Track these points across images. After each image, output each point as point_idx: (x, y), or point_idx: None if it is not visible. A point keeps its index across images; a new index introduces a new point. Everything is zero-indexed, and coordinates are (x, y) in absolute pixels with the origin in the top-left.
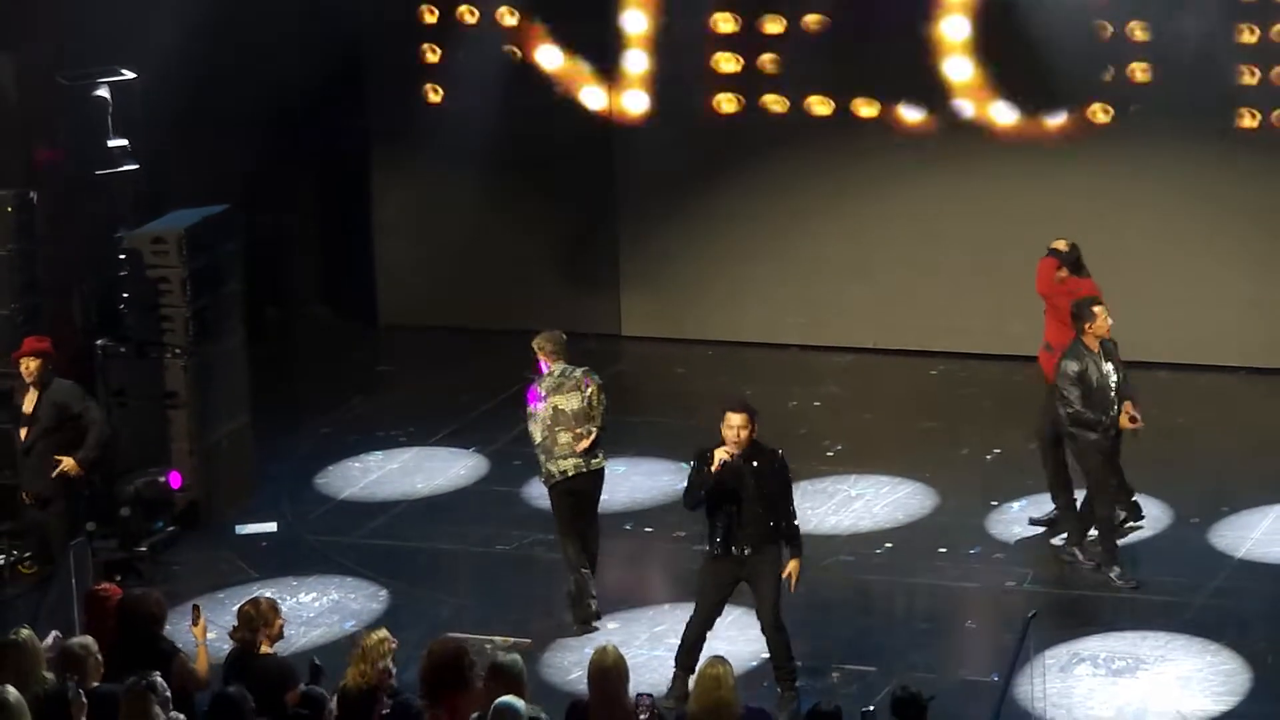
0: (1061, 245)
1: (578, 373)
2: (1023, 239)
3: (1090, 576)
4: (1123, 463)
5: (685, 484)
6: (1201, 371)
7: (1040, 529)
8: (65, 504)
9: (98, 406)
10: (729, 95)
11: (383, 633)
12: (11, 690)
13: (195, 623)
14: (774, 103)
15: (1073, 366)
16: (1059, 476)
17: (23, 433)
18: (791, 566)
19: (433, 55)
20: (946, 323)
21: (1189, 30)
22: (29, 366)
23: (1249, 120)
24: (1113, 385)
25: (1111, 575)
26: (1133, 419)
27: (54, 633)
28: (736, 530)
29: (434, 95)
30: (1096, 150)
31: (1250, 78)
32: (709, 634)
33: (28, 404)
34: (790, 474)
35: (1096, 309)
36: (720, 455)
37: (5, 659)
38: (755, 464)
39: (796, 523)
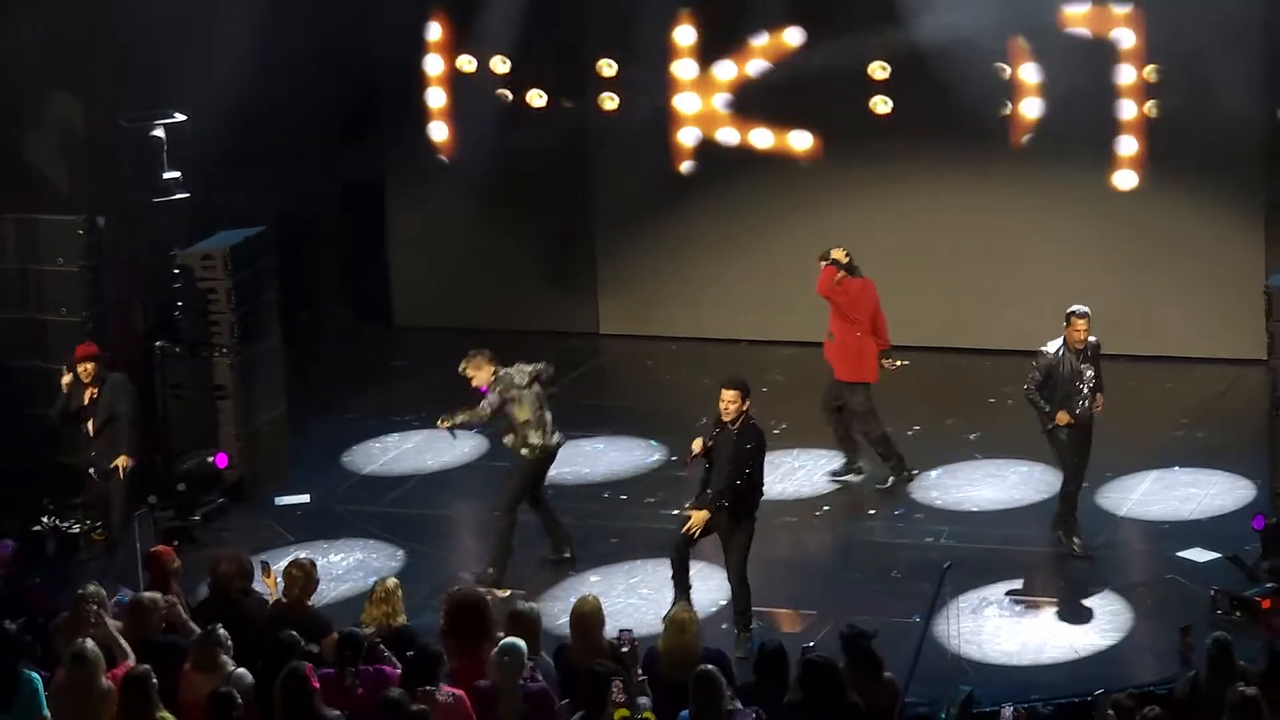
0: (839, 255)
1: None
2: (940, 245)
3: (996, 533)
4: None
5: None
6: None
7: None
8: (128, 481)
9: (127, 402)
10: (689, 128)
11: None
12: (89, 642)
13: (266, 574)
14: (726, 134)
15: (1045, 357)
16: (846, 437)
17: (89, 423)
18: (695, 515)
19: (438, 97)
20: None
21: (1075, 71)
22: (87, 369)
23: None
24: (1085, 383)
25: (1074, 544)
26: (1073, 416)
27: (122, 589)
28: (715, 482)
29: (439, 130)
30: (997, 171)
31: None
32: (688, 558)
33: (88, 398)
34: (761, 454)
35: (1077, 321)
36: (696, 447)
37: (79, 609)
38: (740, 437)
39: (741, 481)
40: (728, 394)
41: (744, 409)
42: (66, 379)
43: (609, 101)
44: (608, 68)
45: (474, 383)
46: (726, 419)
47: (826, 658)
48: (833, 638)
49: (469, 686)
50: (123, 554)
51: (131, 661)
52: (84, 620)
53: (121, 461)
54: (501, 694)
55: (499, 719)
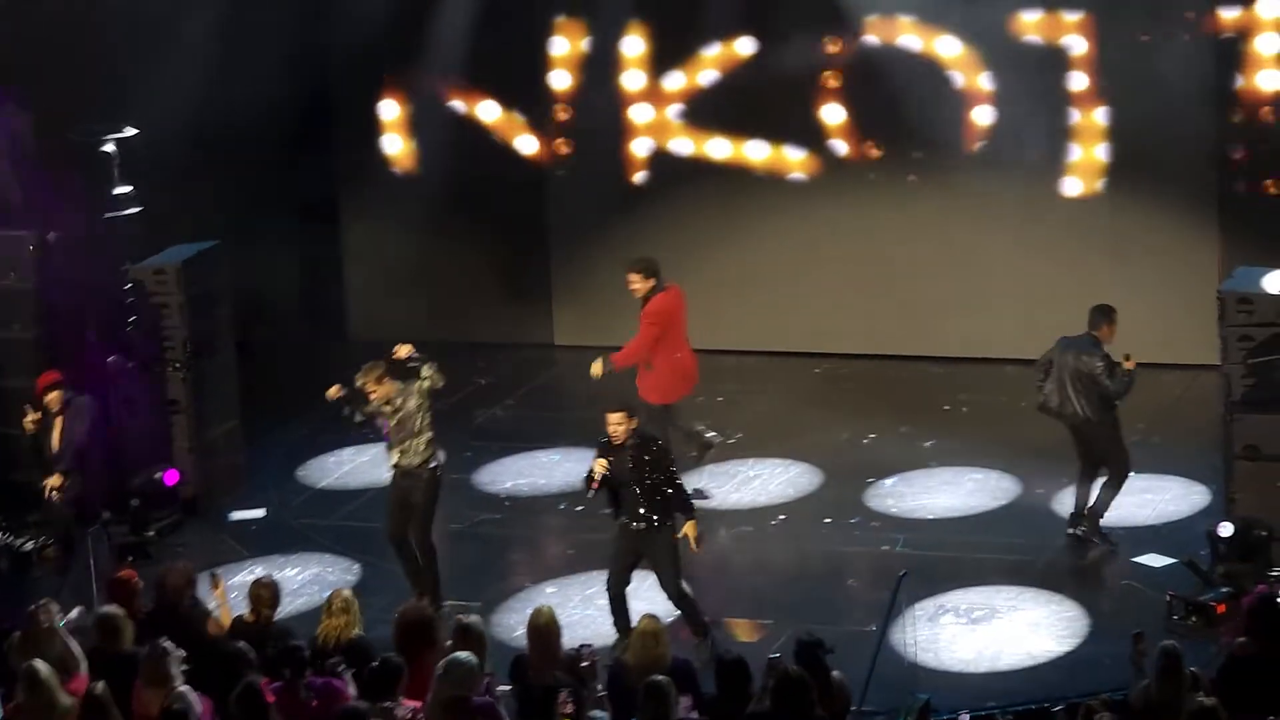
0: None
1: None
2: (894, 253)
3: (952, 540)
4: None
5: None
6: None
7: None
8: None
9: (82, 424)
10: (641, 140)
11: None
12: (39, 664)
13: (215, 587)
14: (678, 146)
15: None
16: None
17: (51, 442)
18: (687, 528)
19: (390, 109)
20: (827, 327)
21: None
22: (53, 398)
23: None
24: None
25: (1095, 540)
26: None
27: (78, 607)
28: (627, 506)
29: (392, 143)
30: (951, 179)
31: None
32: (626, 594)
33: (56, 429)
34: (669, 455)
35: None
36: (598, 470)
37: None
38: (637, 452)
39: (680, 490)
40: (614, 417)
41: (633, 427)
42: (33, 417)
43: (561, 113)
44: (559, 79)
45: (374, 397)
46: (618, 442)
47: (800, 671)
48: (789, 647)
49: (420, 699)
50: (76, 571)
51: (84, 671)
52: (39, 637)
53: (53, 481)
54: (438, 708)
55: None
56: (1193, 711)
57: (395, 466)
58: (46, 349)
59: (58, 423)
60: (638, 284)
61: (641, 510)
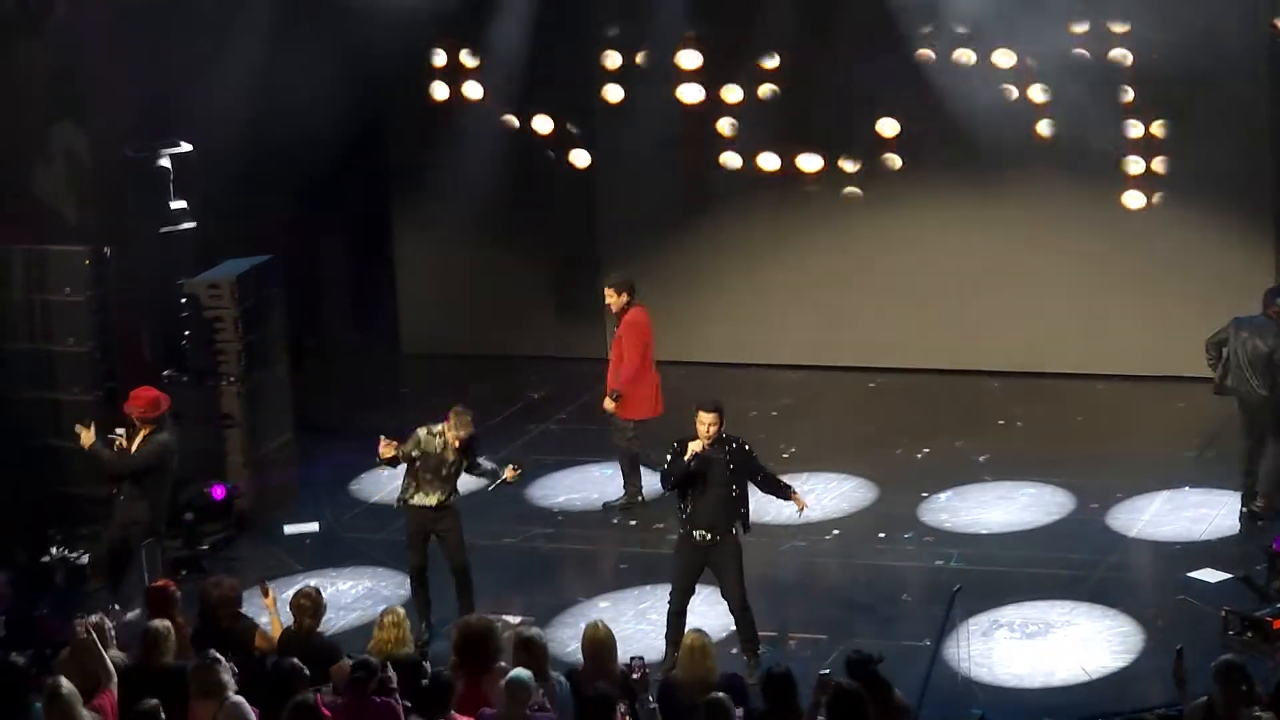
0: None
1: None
2: (949, 266)
3: (1006, 555)
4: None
5: (663, 468)
6: (1099, 380)
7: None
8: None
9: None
10: (692, 152)
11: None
12: (64, 681)
13: (265, 595)
14: (729, 158)
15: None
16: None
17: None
18: (795, 498)
19: (444, 122)
20: (880, 341)
21: (1082, 91)
22: (133, 414)
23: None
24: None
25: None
26: None
27: (134, 610)
28: (702, 513)
29: (445, 155)
30: (1004, 193)
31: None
32: (686, 609)
33: (135, 443)
34: (756, 462)
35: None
36: (694, 447)
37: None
38: (724, 454)
39: (779, 478)
40: (707, 417)
41: (722, 431)
42: (121, 440)
43: (614, 124)
44: (613, 92)
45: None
46: (709, 441)
47: (855, 686)
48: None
49: (474, 714)
50: (130, 585)
51: (113, 687)
52: (85, 651)
53: (86, 435)
54: None
55: None
56: None
57: (408, 504)
58: (101, 363)
59: (138, 436)
60: (613, 299)
61: (714, 520)
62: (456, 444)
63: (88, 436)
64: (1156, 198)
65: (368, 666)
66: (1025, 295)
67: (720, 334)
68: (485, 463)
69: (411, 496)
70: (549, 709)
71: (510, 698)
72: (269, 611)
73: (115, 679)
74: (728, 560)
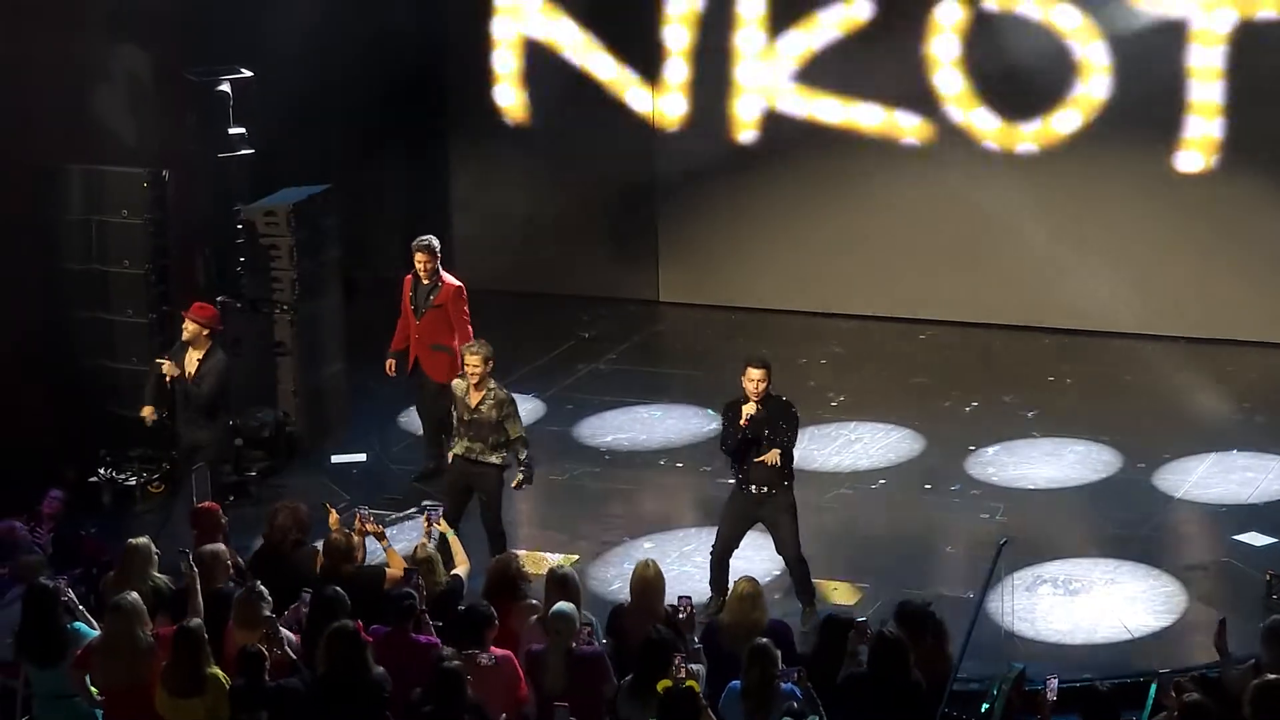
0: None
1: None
2: (997, 224)
3: (1052, 511)
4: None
5: (721, 433)
6: (1149, 340)
7: None
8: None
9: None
10: (753, 99)
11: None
12: (129, 594)
13: (367, 527)
14: (789, 107)
15: None
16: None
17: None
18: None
19: (504, 61)
20: (932, 294)
21: (1144, 51)
22: (187, 328)
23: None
24: None
25: None
26: None
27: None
28: (758, 470)
29: (504, 93)
30: (1062, 149)
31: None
32: (730, 559)
33: (189, 362)
34: (798, 421)
35: None
36: (748, 410)
37: (128, 561)
38: (771, 412)
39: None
40: (755, 372)
41: (769, 388)
42: (170, 366)
43: (675, 70)
44: (674, 36)
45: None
46: (756, 397)
47: (899, 634)
48: (885, 612)
49: (513, 649)
50: (179, 509)
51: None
52: (133, 572)
53: (167, 367)
54: (551, 658)
55: (548, 683)
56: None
57: (456, 455)
58: (155, 286)
59: (190, 355)
60: (427, 263)
61: (770, 476)
62: (476, 379)
63: (170, 368)
64: (1213, 160)
65: (454, 594)
66: (1079, 253)
67: (773, 280)
68: (520, 448)
69: (454, 445)
70: (594, 643)
71: (555, 631)
72: (384, 547)
73: (200, 612)
74: (781, 514)
